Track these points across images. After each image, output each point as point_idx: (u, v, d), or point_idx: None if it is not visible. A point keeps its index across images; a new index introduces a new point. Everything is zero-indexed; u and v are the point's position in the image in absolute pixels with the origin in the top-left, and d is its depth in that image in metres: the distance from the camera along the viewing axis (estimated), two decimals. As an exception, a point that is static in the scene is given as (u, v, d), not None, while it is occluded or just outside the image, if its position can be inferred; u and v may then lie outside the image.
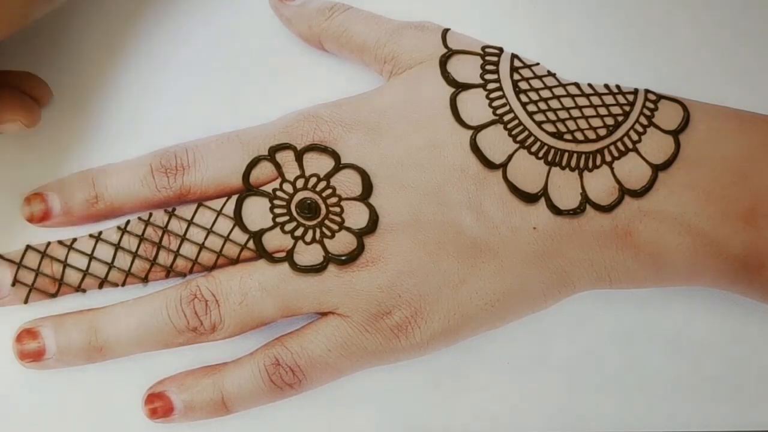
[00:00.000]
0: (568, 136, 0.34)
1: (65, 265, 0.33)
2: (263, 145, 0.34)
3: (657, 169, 0.33)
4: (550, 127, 0.34)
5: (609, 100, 0.34)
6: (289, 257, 0.33)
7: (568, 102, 0.34)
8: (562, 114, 0.34)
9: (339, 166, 0.33)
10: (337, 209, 0.33)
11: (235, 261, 0.34)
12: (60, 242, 0.34)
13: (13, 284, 0.33)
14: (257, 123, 0.35)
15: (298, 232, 0.33)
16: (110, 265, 0.33)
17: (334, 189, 0.33)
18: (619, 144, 0.33)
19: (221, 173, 0.34)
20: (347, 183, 0.33)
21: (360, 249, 0.33)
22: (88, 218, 0.34)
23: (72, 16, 0.37)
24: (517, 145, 0.34)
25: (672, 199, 0.33)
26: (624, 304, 0.36)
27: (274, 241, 0.33)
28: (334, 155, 0.34)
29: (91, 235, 0.34)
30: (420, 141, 0.34)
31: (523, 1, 0.38)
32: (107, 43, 0.37)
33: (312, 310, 0.33)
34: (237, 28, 0.38)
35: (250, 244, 0.33)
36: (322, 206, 0.33)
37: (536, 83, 0.34)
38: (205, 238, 0.33)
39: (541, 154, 0.33)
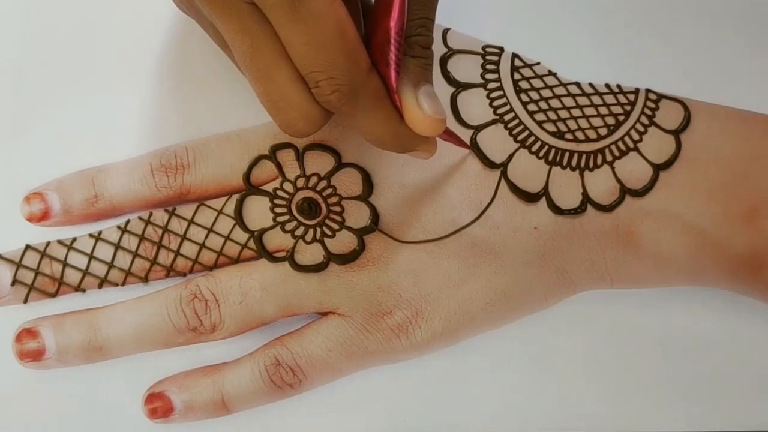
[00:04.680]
0: (569, 136, 0.34)
1: (65, 264, 0.33)
2: (263, 145, 0.34)
3: (658, 168, 0.33)
4: (550, 127, 0.34)
5: (610, 99, 0.34)
6: (289, 257, 0.33)
7: (568, 101, 0.34)
8: (563, 113, 0.34)
9: (339, 165, 0.33)
10: (338, 208, 0.33)
11: (235, 260, 0.34)
12: (60, 242, 0.34)
13: (13, 284, 0.33)
14: (257, 123, 0.35)
15: (299, 232, 0.33)
16: (110, 265, 0.33)
17: (334, 188, 0.33)
18: (620, 143, 0.33)
19: (221, 172, 0.34)
20: (348, 182, 0.33)
21: (361, 248, 0.33)
22: (87, 217, 0.34)
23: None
24: (518, 145, 0.34)
25: (673, 198, 0.33)
26: (624, 304, 0.36)
27: (275, 240, 0.33)
28: (335, 154, 0.33)
29: (90, 235, 0.34)
30: (420, 140, 0.34)
31: (523, 1, 0.38)
32: (107, 43, 0.37)
33: (312, 310, 0.33)
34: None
35: (251, 244, 0.33)
36: (323, 205, 0.33)
37: (537, 83, 0.34)
38: (206, 238, 0.33)
39: (541, 154, 0.33)
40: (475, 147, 0.33)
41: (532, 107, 0.34)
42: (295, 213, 0.33)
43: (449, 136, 0.32)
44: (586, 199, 0.33)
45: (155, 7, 0.37)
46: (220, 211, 0.33)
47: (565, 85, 0.34)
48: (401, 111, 0.28)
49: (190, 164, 0.34)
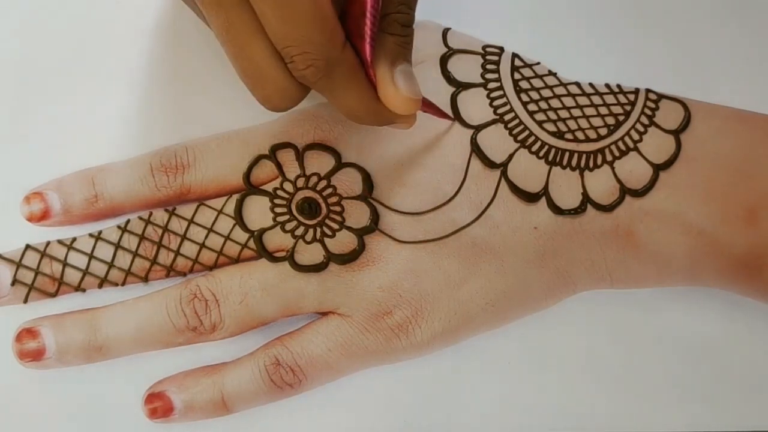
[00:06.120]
0: (569, 136, 0.34)
1: (65, 264, 0.33)
2: (264, 144, 0.34)
3: (658, 168, 0.33)
4: (550, 127, 0.34)
5: (610, 99, 0.34)
6: (289, 257, 0.33)
7: (568, 101, 0.34)
8: (563, 113, 0.34)
9: (340, 165, 0.33)
10: (338, 208, 0.33)
11: (235, 260, 0.33)
12: (60, 241, 0.34)
13: (13, 283, 0.33)
14: (257, 123, 0.35)
15: (299, 232, 0.33)
16: (110, 265, 0.33)
17: (334, 188, 0.33)
18: (620, 143, 0.33)
19: (221, 172, 0.34)
20: (348, 182, 0.33)
21: (361, 248, 0.33)
22: (87, 217, 0.34)
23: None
24: (518, 145, 0.34)
25: (673, 198, 0.33)
26: (624, 304, 0.36)
27: (275, 240, 0.33)
28: (335, 154, 0.33)
29: (90, 235, 0.34)
30: (420, 140, 0.34)
31: (523, 1, 0.38)
32: (107, 43, 0.37)
33: (312, 310, 0.33)
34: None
35: (251, 244, 0.33)
36: (323, 205, 0.33)
37: (537, 82, 0.34)
38: (206, 238, 0.33)
39: (541, 154, 0.33)
40: (475, 147, 0.33)
41: (532, 107, 0.34)
42: (295, 213, 0.33)
43: (428, 107, 0.32)
44: (586, 199, 0.33)
45: (156, 7, 0.37)
46: (220, 211, 0.33)
47: (565, 85, 0.34)
48: (376, 87, 0.28)
49: (190, 164, 0.34)
